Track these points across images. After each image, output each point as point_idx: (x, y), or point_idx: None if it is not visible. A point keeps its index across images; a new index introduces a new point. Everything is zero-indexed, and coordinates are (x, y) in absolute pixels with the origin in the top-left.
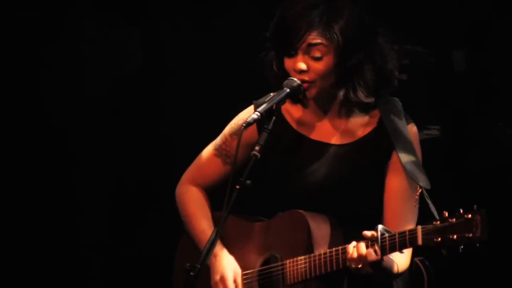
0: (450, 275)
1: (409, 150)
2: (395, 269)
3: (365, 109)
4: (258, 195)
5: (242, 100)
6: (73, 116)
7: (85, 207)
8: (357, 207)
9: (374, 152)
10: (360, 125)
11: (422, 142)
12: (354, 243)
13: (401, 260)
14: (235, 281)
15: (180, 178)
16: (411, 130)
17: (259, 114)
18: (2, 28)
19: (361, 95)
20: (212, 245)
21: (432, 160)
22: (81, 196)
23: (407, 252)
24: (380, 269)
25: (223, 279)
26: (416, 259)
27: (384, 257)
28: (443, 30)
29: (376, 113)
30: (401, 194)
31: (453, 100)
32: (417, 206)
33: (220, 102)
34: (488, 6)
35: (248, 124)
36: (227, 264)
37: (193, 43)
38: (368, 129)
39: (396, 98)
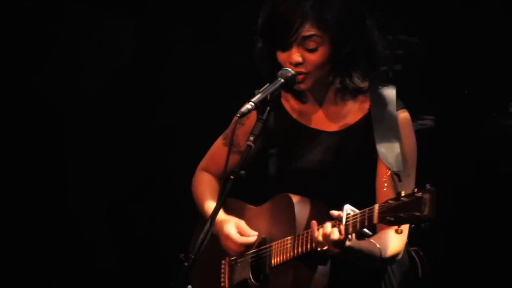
0: (445, 265)
1: (389, 135)
2: (378, 254)
3: (358, 94)
4: (258, 183)
5: (241, 92)
6: (70, 107)
7: (82, 202)
8: (351, 193)
9: (365, 137)
10: (353, 111)
11: (416, 132)
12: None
13: (391, 244)
14: (239, 232)
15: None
16: (400, 115)
17: (253, 104)
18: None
19: (357, 81)
20: (206, 235)
21: (426, 150)
22: (78, 191)
23: (397, 237)
24: (347, 250)
25: (229, 239)
26: (411, 249)
27: (364, 241)
28: (438, 21)
29: (368, 99)
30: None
31: (447, 90)
32: (399, 189)
33: (219, 95)
34: None
35: (242, 114)
36: (228, 224)
37: (190, 36)
38: (360, 115)
39: (392, 85)
